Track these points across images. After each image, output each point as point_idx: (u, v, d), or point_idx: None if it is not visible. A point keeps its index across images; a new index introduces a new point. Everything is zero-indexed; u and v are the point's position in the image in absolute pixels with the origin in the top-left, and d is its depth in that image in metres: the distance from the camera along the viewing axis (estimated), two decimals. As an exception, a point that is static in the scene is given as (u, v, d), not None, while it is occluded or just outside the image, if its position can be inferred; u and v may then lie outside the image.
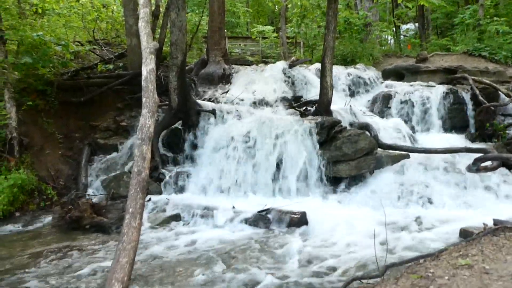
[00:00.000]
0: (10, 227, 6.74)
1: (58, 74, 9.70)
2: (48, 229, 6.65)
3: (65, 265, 5.17)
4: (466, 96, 10.39)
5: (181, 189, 7.91)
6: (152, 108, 4.35)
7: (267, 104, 10.39)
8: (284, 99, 10.77)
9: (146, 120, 4.25)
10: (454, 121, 10.17)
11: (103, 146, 8.95)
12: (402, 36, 22.59)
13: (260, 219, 6.50)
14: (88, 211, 6.54)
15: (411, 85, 11.10)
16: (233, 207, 6.86)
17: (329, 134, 8.21)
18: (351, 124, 9.13)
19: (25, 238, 6.25)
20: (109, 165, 8.52)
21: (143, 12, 5.26)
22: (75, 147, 8.91)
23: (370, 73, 12.37)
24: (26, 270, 5.03)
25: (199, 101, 9.42)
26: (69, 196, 7.13)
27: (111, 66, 10.83)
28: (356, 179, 7.98)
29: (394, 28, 19.99)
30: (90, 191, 7.85)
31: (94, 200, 7.25)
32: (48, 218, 6.97)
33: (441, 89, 10.49)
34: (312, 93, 10.73)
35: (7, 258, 5.43)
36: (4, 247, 5.86)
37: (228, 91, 10.87)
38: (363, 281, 3.81)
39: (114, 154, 8.76)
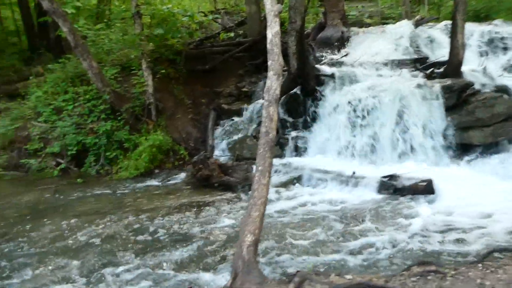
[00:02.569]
0: (150, 182, 7.60)
1: (185, 44, 10.40)
2: (182, 185, 7.35)
3: (200, 216, 5.72)
4: None
5: (301, 153, 8.06)
6: (277, 71, 4.46)
7: (388, 66, 9.86)
8: (407, 61, 10.08)
9: (272, 82, 4.38)
10: None
11: (227, 111, 9.45)
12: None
13: (383, 185, 6.34)
14: (216, 170, 7.05)
15: None
16: (354, 172, 6.78)
17: (459, 98, 7.55)
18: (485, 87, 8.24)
19: (163, 192, 7.01)
20: (233, 128, 9.00)
21: (265, -23, 5.31)
22: (202, 112, 9.59)
23: (510, 30, 10.88)
24: (167, 218, 5.67)
25: (317, 66, 9.34)
26: (198, 157, 7.71)
27: (232, 34, 11.27)
28: (489, 147, 7.27)
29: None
30: (216, 152, 8.44)
31: (221, 160, 7.77)
32: (182, 176, 7.69)
33: None
34: (440, 53, 9.87)
35: (150, 208, 6.17)
36: (147, 199, 6.66)
37: (346, 54, 10.55)
38: (505, 253, 3.52)
39: (237, 119, 9.21)
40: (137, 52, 9.14)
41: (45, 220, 5.87)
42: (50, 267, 4.44)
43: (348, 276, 2.91)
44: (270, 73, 4.42)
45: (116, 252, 4.73)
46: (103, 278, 4.14)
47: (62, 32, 8.46)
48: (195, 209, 6.03)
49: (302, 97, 8.91)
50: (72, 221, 5.75)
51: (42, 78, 9.80)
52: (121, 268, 4.31)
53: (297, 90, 9.03)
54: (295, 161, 7.75)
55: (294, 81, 8.84)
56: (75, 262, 4.50)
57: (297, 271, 2.92)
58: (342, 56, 10.50)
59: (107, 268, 4.35)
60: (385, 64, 9.83)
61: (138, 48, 8.93)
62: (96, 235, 5.23)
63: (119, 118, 8.54)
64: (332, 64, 10.00)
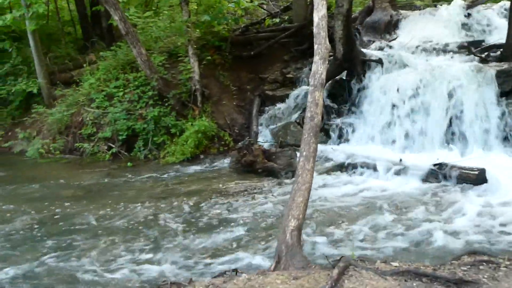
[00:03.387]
0: (196, 167, 7.77)
1: (231, 30, 10.46)
2: (226, 170, 7.47)
3: (243, 201, 5.82)
4: None
5: (345, 140, 7.94)
6: (324, 55, 4.39)
7: (440, 50, 9.44)
8: (460, 44, 9.62)
9: (318, 67, 4.32)
10: None
11: (271, 97, 9.45)
12: None
13: (431, 173, 6.15)
14: (260, 156, 7.10)
15: None
16: (400, 160, 6.61)
17: (517, 83, 7.12)
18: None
19: (208, 177, 7.16)
20: (277, 115, 9.00)
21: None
22: (246, 98, 9.64)
23: None
24: (212, 202, 5.81)
25: (364, 51, 9.11)
26: (243, 143, 7.81)
27: (277, 20, 11.19)
28: (552, 135, 6.84)
29: None
30: (260, 138, 8.48)
31: (265, 146, 7.81)
32: (226, 161, 7.81)
33: None
34: (496, 36, 9.33)
35: (195, 192, 6.33)
36: (192, 183, 6.84)
37: (395, 38, 10.21)
38: None
39: (281, 105, 9.19)
40: (184, 39, 9.30)
41: (98, 201, 6.18)
42: (101, 245, 4.68)
43: (395, 263, 2.87)
44: (316, 58, 4.36)
45: (162, 233, 4.91)
46: (148, 258, 4.31)
47: (114, 20, 8.75)
48: (239, 194, 6.12)
49: (348, 83, 8.74)
50: (123, 203, 6.01)
51: (95, 66, 10.21)
52: (166, 250, 4.47)
53: (342, 75, 8.88)
54: (340, 148, 7.65)
55: (340, 66, 8.68)
56: (124, 242, 4.72)
57: (341, 257, 2.91)
58: (391, 40, 10.19)
59: (153, 249, 4.53)
60: (437, 48, 9.43)
61: (185, 35, 9.08)
62: (144, 217, 5.44)
63: (166, 104, 8.76)
64: (380, 48, 9.73)
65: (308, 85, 9.17)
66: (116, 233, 5.00)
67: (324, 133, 8.07)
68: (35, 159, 9.01)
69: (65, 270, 4.14)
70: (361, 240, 4.40)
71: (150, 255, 4.38)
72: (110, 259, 4.34)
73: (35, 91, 10.38)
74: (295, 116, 8.66)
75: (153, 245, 4.61)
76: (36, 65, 10.61)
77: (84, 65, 10.45)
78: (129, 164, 8.14)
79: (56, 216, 5.67)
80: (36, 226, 5.34)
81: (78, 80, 10.22)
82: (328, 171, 6.79)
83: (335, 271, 2.64)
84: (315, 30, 4.55)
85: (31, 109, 10.12)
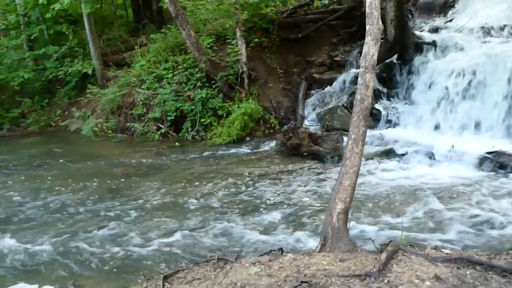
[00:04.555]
0: (242, 149, 7.87)
1: (279, 12, 10.36)
2: (272, 153, 7.50)
3: (288, 183, 5.84)
4: None
5: (394, 125, 7.74)
6: (376, 35, 4.27)
7: (499, 32, 8.90)
8: (523, 26, 9.02)
9: (370, 48, 4.21)
10: None
11: (318, 81, 9.34)
12: None
13: (485, 161, 5.87)
14: (306, 140, 7.07)
15: None
16: (452, 146, 6.36)
17: None
18: None
19: (254, 159, 7.23)
20: (323, 98, 8.88)
21: None
22: (293, 81, 9.58)
23: None
24: (257, 184, 5.87)
25: (417, 33, 8.75)
26: (289, 126, 7.79)
27: (326, 2, 10.96)
28: None
29: None
30: (306, 122, 8.44)
31: (311, 130, 7.76)
32: (271, 144, 7.84)
33: None
34: None
35: (241, 174, 6.41)
36: (238, 165, 6.93)
37: (451, 20, 9.72)
38: None
39: (328, 88, 9.06)
40: (232, 21, 9.33)
41: (148, 179, 6.42)
42: (150, 221, 4.88)
43: (446, 251, 2.79)
44: (368, 38, 4.24)
45: (209, 211, 5.04)
46: (195, 235, 4.45)
47: (164, 3, 8.91)
48: (284, 176, 6.15)
49: (399, 66, 8.47)
50: (170, 181, 6.22)
51: (146, 48, 10.48)
52: (212, 227, 4.58)
53: (393, 59, 8.61)
54: (388, 133, 7.46)
55: (391, 49, 8.41)
56: (173, 219, 4.89)
57: (390, 241, 2.87)
58: (446, 22, 9.71)
59: (200, 225, 4.66)
60: (496, 30, 8.89)
61: (233, 17, 9.10)
62: (191, 195, 5.60)
63: (213, 86, 8.87)
64: (434, 30, 9.32)
65: (356, 68, 9.04)
66: (164, 210, 5.18)
67: (372, 118, 7.89)
68: (89, 137, 9.49)
69: (116, 243, 4.35)
70: (409, 227, 4.30)
71: (197, 232, 4.51)
72: (158, 234, 4.51)
73: (89, 72, 10.85)
74: (342, 100, 8.51)
75: (200, 223, 4.75)
76: (91, 47, 11.05)
77: (136, 47, 10.75)
78: (177, 144, 8.37)
79: (108, 192, 5.96)
80: (89, 201, 5.65)
81: (129, 62, 10.55)
82: (376, 156, 6.65)
83: (384, 255, 2.61)
84: (367, 9, 4.42)
85: (86, 90, 10.60)
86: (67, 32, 11.64)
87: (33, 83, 11.80)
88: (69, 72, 11.15)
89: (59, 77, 11.47)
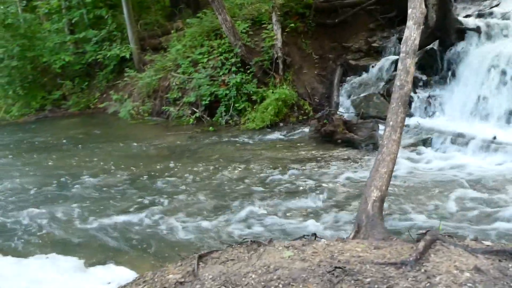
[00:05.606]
0: (275, 135, 7.85)
1: (316, -3, 10.18)
2: (305, 139, 7.45)
3: (321, 169, 5.80)
4: None
5: (433, 113, 7.52)
6: (418, 19, 4.14)
7: (550, 19, 8.43)
8: None
9: (412, 32, 4.09)
10: None
11: (354, 67, 9.16)
12: None
13: (530, 153, 5.63)
14: (340, 127, 6.98)
15: None
16: (494, 137, 6.12)
17: None
18: None
19: (287, 145, 7.21)
20: (359, 85, 8.72)
21: None
22: (328, 67, 9.43)
23: None
24: (290, 169, 5.86)
25: (460, 18, 8.40)
26: (323, 112, 7.72)
27: (364, -14, 10.65)
28: None
29: None
30: (341, 109, 8.31)
31: (345, 117, 7.65)
32: (305, 130, 7.78)
33: None
34: None
35: (274, 159, 6.42)
36: (271, 150, 6.94)
37: (497, 4, 9.27)
38: None
39: (364, 75, 8.88)
40: (267, 5, 9.26)
41: (182, 161, 6.54)
42: (185, 202, 4.98)
43: (487, 242, 2.71)
44: (410, 22, 4.12)
45: (242, 195, 5.09)
46: (229, 217, 4.51)
47: (200, -13, 8.93)
48: (317, 162, 6.11)
49: (440, 53, 8.18)
50: (204, 164, 6.30)
51: (182, 33, 10.56)
52: (245, 210, 4.63)
53: (434, 45, 8.32)
54: (426, 122, 7.27)
55: (431, 35, 8.12)
56: (206, 202, 4.98)
57: (427, 230, 2.81)
58: (492, 7, 9.27)
59: (233, 208, 4.72)
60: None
61: (269, 2, 9.02)
62: (225, 179, 5.67)
63: (248, 71, 8.86)
64: (479, 16, 8.92)
65: (394, 55, 8.80)
66: (198, 192, 5.26)
67: (409, 105, 7.68)
68: (126, 119, 9.72)
69: (152, 223, 4.48)
70: (446, 217, 4.20)
71: (229, 214, 4.58)
72: (192, 215, 4.61)
73: (127, 56, 11.07)
74: (379, 87, 8.32)
75: (232, 205, 4.80)
76: (129, 31, 11.25)
77: (172, 31, 10.85)
78: (211, 128, 8.45)
79: (144, 173, 6.11)
80: (126, 181, 5.82)
81: (165, 46, 10.68)
82: (413, 145, 6.50)
83: (421, 244, 2.56)
84: (410, -7, 4.28)
85: (123, 73, 10.83)
86: (106, 16, 11.88)
87: (74, 66, 12.17)
88: (107, 55, 11.41)
89: (98, 60, 11.77)
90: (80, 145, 8.00)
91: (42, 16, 13.51)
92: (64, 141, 8.54)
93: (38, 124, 10.68)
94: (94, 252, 3.98)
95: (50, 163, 6.87)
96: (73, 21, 12.51)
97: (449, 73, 7.94)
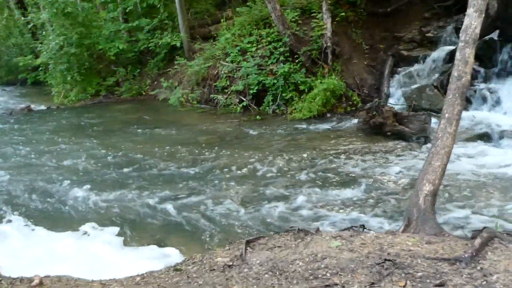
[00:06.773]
0: (322, 125, 7.78)
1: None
2: (353, 131, 7.33)
3: (370, 162, 5.70)
4: None
5: (491, 107, 7.15)
6: (480, 7, 3.93)
7: None
8: None
9: (472, 20, 3.90)
10: None
11: (406, 58, 8.87)
12: None
13: None
14: (390, 119, 6.80)
15: None
16: (557, 133, 5.77)
17: None
18: None
19: (334, 136, 7.12)
20: (410, 77, 8.43)
21: None
22: (379, 57, 9.18)
23: None
24: (337, 161, 5.81)
25: (525, 7, 7.90)
26: (372, 104, 7.55)
27: (420, -27, 10.22)
28: None
29: None
30: (391, 101, 8.09)
31: (395, 109, 7.44)
32: (353, 122, 7.65)
33: None
34: None
35: (321, 149, 6.37)
36: (318, 140, 6.89)
37: None
38: None
39: (416, 66, 8.57)
40: (318, -6, 9.13)
41: (230, 148, 6.63)
42: (235, 188, 5.06)
43: (549, 243, 2.58)
44: (470, 10, 3.92)
45: (290, 184, 5.11)
46: (275, 205, 4.54)
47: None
48: (366, 154, 6.00)
49: (500, 44, 7.74)
50: (251, 152, 6.36)
51: (231, 21, 10.63)
52: (293, 199, 4.65)
53: (493, 35, 7.88)
54: (483, 115, 6.94)
55: (492, 24, 7.69)
56: (253, 189, 5.03)
57: (484, 227, 2.71)
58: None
59: (281, 197, 4.75)
60: None
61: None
62: (272, 167, 5.70)
63: (296, 60, 8.80)
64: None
65: (450, 45, 8.42)
66: (244, 179, 5.34)
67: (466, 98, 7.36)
68: (175, 106, 9.97)
69: (202, 207, 4.61)
70: (504, 216, 4.01)
71: (275, 202, 4.61)
72: (239, 202, 4.69)
73: (178, 44, 11.31)
74: (432, 78, 8.02)
75: (279, 194, 4.84)
76: (179, 20, 11.47)
77: (221, 20, 10.95)
78: (258, 117, 8.49)
79: (193, 159, 6.27)
80: (175, 166, 5.99)
81: (215, 35, 10.80)
82: (468, 139, 6.22)
83: (478, 241, 2.48)
84: (472, -22, 4.07)
85: (174, 61, 11.08)
86: (158, 5, 12.17)
87: (127, 54, 12.59)
88: (159, 44, 11.72)
89: (150, 48, 12.11)
90: (133, 130, 8.31)
91: (99, 5, 14.05)
92: (118, 125, 8.90)
93: (94, 108, 11.17)
94: (143, 233, 4.16)
95: (107, 147, 7.18)
96: (127, 10, 12.93)
97: (509, 65, 7.52)
